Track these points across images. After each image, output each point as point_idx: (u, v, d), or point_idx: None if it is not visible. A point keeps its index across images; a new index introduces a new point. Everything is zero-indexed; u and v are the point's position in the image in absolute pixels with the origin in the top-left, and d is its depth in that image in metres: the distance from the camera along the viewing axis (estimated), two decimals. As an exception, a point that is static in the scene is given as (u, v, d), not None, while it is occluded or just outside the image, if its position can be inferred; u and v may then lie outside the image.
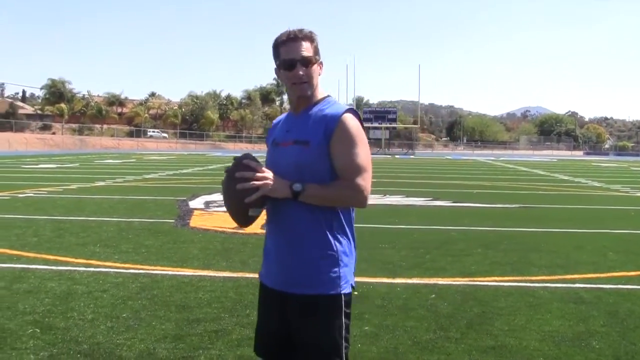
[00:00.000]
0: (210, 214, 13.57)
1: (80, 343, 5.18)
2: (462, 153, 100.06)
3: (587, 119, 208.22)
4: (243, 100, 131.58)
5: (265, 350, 3.09)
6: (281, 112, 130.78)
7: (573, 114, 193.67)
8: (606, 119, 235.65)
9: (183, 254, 8.96)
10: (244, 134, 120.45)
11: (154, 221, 12.36)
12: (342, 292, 2.88)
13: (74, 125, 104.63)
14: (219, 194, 17.43)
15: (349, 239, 2.96)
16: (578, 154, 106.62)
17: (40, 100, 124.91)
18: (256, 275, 7.71)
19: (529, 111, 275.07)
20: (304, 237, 2.87)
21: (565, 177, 31.07)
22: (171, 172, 29.33)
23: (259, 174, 2.78)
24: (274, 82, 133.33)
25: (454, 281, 7.59)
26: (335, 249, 2.88)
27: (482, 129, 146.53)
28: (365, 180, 2.82)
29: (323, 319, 2.86)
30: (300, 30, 2.90)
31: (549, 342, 5.39)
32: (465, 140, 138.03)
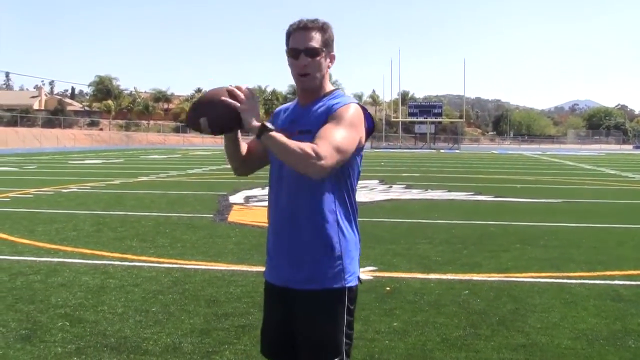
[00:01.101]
0: (250, 208, 13.59)
1: (108, 337, 5.20)
2: (509, 147, 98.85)
3: (637, 112, 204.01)
4: (288, 95, 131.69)
5: (271, 350, 3.03)
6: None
7: (622, 107, 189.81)
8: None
9: (218, 249, 8.97)
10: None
11: (193, 216, 12.43)
12: (347, 285, 2.82)
13: (120, 122, 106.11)
14: (260, 188, 17.52)
15: (353, 230, 2.89)
16: (627, 148, 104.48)
17: (88, 97, 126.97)
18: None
19: (578, 104, 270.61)
20: (305, 229, 2.80)
21: (613, 172, 30.45)
22: (214, 167, 29.52)
23: (245, 96, 2.66)
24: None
25: (489, 277, 7.46)
26: (338, 241, 2.81)
27: (529, 123, 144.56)
28: (329, 152, 2.59)
29: (324, 314, 2.79)
30: (312, 20, 2.84)
31: (582, 341, 5.24)
32: (512, 135, 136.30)
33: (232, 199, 15.51)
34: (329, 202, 2.81)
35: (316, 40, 2.81)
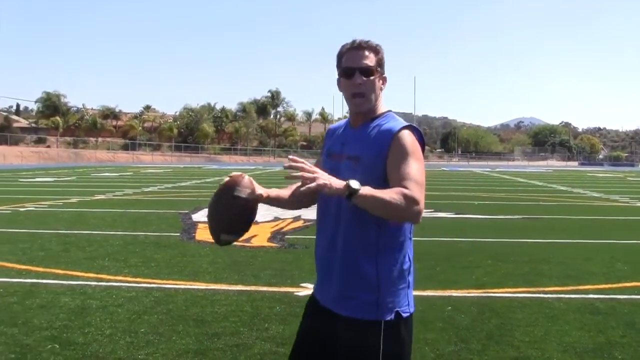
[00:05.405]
0: (215, 227, 13.46)
1: (102, 358, 5.14)
2: (458, 164, 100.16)
3: (580, 130, 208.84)
4: (238, 113, 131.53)
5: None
6: (276, 125, 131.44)
7: (566, 125, 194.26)
8: (599, 129, 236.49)
9: (193, 268, 8.93)
10: (239, 147, 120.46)
11: (159, 234, 12.32)
12: (384, 319, 2.68)
13: (68, 139, 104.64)
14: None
15: (397, 263, 2.74)
16: (573, 165, 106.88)
17: (34, 114, 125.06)
18: (269, 288, 7.62)
19: (523, 122, 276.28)
20: (345, 258, 2.73)
21: (563, 188, 31.09)
22: (169, 185, 29.26)
23: (307, 170, 2.49)
24: (269, 94, 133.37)
25: (468, 293, 7.58)
26: (375, 274, 2.71)
27: (476, 140, 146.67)
28: (421, 193, 2.55)
29: (358, 344, 2.69)
30: (366, 41, 2.80)
31: (571, 353, 5.38)
32: (459, 152, 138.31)
33: (195, 217, 15.40)
34: (372, 231, 2.71)
35: (370, 59, 2.76)
